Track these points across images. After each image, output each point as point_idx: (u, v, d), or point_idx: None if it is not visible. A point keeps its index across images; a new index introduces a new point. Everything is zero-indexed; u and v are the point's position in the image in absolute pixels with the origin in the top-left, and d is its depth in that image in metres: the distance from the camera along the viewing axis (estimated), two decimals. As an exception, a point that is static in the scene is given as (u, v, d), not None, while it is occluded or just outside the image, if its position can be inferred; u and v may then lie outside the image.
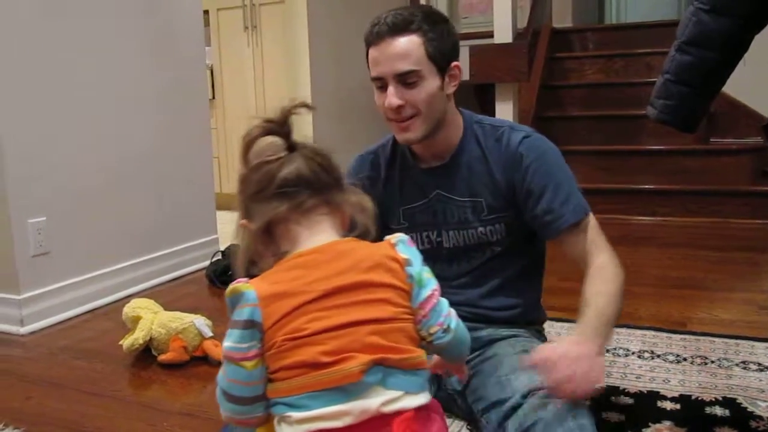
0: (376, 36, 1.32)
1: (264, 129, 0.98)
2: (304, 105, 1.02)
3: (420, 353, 0.93)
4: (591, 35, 5.23)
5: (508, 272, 1.47)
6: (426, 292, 0.96)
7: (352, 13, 4.29)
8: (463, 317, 1.06)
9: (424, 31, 1.31)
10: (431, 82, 1.32)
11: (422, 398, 0.91)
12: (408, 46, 1.30)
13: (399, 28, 1.30)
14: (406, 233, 1.08)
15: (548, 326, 1.72)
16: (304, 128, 3.71)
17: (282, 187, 0.94)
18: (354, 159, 1.55)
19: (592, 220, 1.41)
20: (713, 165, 3.86)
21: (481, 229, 1.43)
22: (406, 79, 1.31)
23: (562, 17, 5.48)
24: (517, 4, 4.02)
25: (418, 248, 1.08)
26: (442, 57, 1.33)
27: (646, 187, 3.89)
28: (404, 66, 1.30)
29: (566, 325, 2.03)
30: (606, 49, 4.93)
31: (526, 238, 1.47)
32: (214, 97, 4.52)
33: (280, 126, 0.98)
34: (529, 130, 1.45)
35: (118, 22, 2.62)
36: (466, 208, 1.43)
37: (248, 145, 0.97)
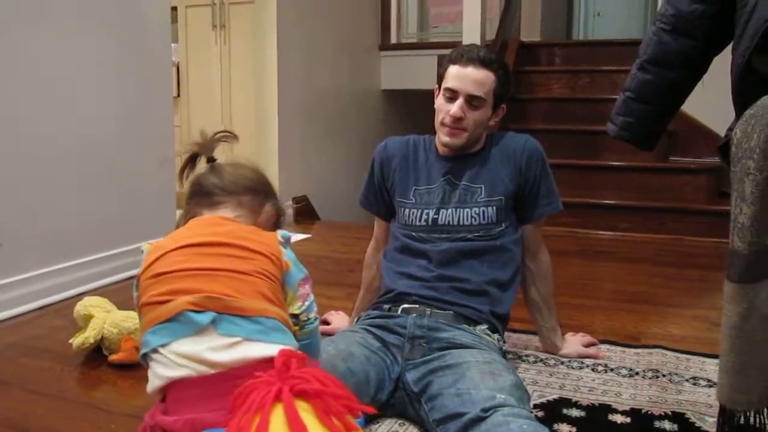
0: (467, 60, 1.64)
1: (192, 149, 1.24)
2: (230, 134, 1.33)
3: (268, 306, 1.01)
4: (558, 50, 5.30)
5: (491, 261, 1.67)
6: (301, 275, 1.11)
7: (321, 16, 4.29)
8: (430, 303, 1.57)
9: (499, 73, 1.67)
10: (486, 111, 1.68)
11: (266, 348, 0.96)
12: (486, 78, 1.65)
13: (485, 62, 1.64)
14: (411, 209, 1.70)
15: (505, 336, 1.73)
16: (269, 130, 3.70)
17: (201, 188, 1.20)
18: (398, 138, 1.83)
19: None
20: (672, 183, 3.93)
21: (475, 209, 1.67)
22: (473, 102, 1.64)
23: (530, 31, 5.56)
24: (486, 16, 4.06)
25: (416, 224, 1.68)
26: (500, 97, 1.70)
27: (607, 202, 3.95)
28: (478, 92, 1.64)
29: (523, 336, 2.05)
30: (572, 65, 5.01)
31: (510, 230, 1.71)
32: (179, 95, 4.46)
33: (203, 148, 1.24)
34: (524, 135, 1.80)
35: (82, 11, 2.57)
36: (466, 191, 1.69)
37: (184, 165, 1.24)
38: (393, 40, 5.49)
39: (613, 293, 2.68)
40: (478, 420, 1.19)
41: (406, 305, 1.60)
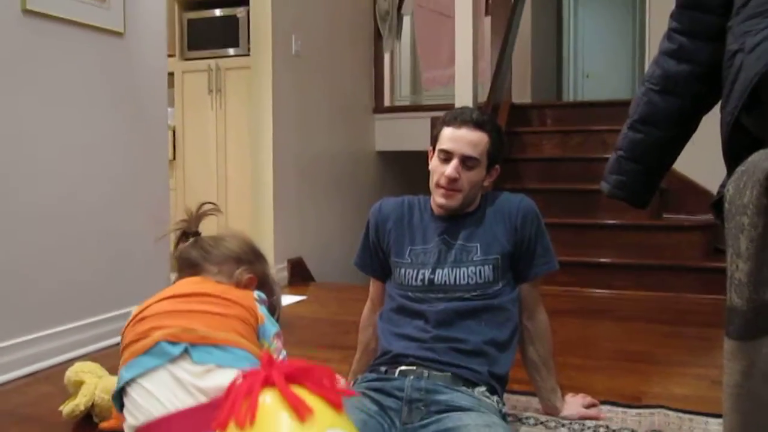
0: (461, 122, 1.67)
1: (180, 226, 1.40)
2: (215, 207, 1.46)
3: (240, 340, 1.09)
4: (549, 111, 5.39)
5: (488, 320, 1.66)
6: (274, 329, 1.20)
7: (316, 80, 4.37)
8: (428, 364, 1.56)
9: (492, 135, 1.70)
10: (480, 172, 1.70)
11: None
12: (480, 139, 1.67)
13: (479, 124, 1.68)
14: (406, 268, 1.70)
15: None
16: (265, 192, 3.70)
17: (186, 261, 1.36)
18: (393, 199, 1.84)
19: None
20: (666, 240, 3.94)
21: (471, 268, 1.66)
22: (468, 163, 1.66)
23: (521, 93, 5.66)
24: (477, 80, 4.14)
25: (412, 284, 1.68)
26: (492, 159, 1.72)
27: (602, 260, 3.95)
28: (473, 153, 1.66)
29: (522, 398, 2.01)
30: (563, 125, 5.08)
31: (507, 290, 1.71)
32: (174, 158, 4.50)
33: (190, 224, 1.39)
34: (521, 195, 1.81)
35: (81, 74, 2.61)
36: (462, 251, 1.68)
37: (177, 242, 1.40)
38: (387, 102, 5.58)
39: (612, 353, 2.65)
40: None
41: (403, 367, 1.58)
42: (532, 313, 1.79)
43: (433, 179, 1.71)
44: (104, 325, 2.73)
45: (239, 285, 1.33)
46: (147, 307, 1.18)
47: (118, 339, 2.71)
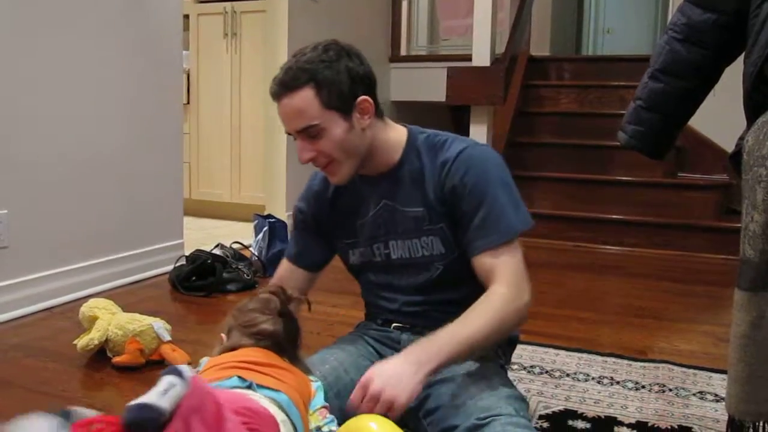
0: (273, 96, 1.32)
1: (273, 292, 1.30)
2: (307, 302, 1.42)
3: (297, 396, 1.13)
4: (567, 65, 5.31)
5: (460, 291, 1.40)
6: (321, 403, 1.20)
7: (333, 23, 4.31)
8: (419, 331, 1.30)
9: (316, 81, 1.28)
10: (336, 129, 1.30)
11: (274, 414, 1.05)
12: (300, 103, 1.28)
13: (289, 86, 1.28)
14: (358, 248, 1.44)
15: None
16: (279, 138, 3.68)
17: (257, 333, 1.23)
18: (307, 183, 1.56)
19: (514, 246, 1.33)
20: (680, 199, 3.92)
21: (424, 238, 1.39)
22: (310, 133, 1.30)
23: (540, 46, 5.57)
24: (496, 30, 4.07)
25: (372, 262, 1.44)
26: (341, 101, 1.30)
27: (615, 217, 3.94)
28: (301, 123, 1.29)
29: (528, 347, 2.04)
30: (581, 80, 5.01)
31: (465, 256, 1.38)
32: (189, 102, 4.49)
33: (281, 300, 1.29)
34: (470, 142, 1.40)
35: (96, 18, 2.59)
36: (408, 218, 1.40)
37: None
38: (403, 52, 5.51)
39: (620, 308, 2.66)
40: (475, 429, 1.16)
41: (396, 324, 1.48)
42: (486, 287, 1.33)
43: None
44: (119, 264, 2.77)
45: None
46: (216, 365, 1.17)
47: (131, 278, 2.79)
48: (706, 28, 1.28)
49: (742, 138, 1.11)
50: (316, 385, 1.24)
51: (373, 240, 1.45)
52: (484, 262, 1.32)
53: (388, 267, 1.44)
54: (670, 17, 1.79)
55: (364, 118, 1.34)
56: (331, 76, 1.29)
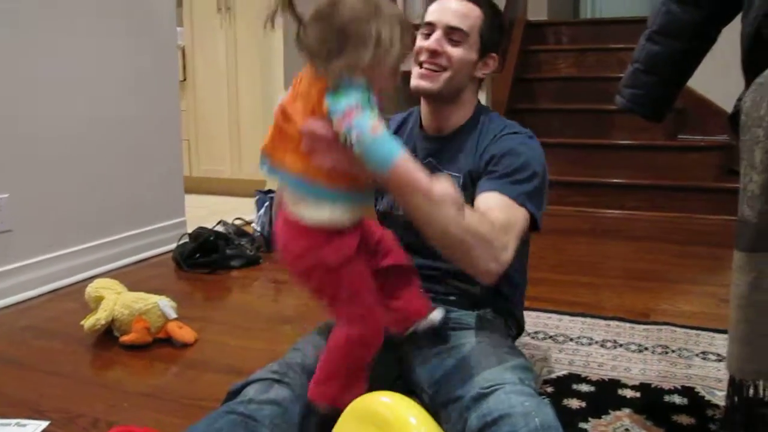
0: None
1: None
2: None
3: None
4: (565, 29, 5.25)
5: None
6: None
7: (327, -2, 4.26)
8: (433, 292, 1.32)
9: (487, 12, 1.41)
10: (470, 53, 1.40)
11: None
12: (470, 11, 1.39)
13: None
14: (386, 196, 1.44)
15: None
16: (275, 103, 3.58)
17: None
18: (398, 114, 1.61)
19: (522, 213, 1.31)
20: (681, 161, 3.91)
21: None
22: (453, 36, 1.38)
23: (537, 10, 5.50)
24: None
25: (393, 215, 1.45)
26: (488, 41, 1.42)
27: (615, 180, 3.93)
28: (458, 23, 1.38)
29: (532, 313, 2.05)
30: (579, 44, 4.97)
31: None
32: (185, 79, 4.46)
33: None
34: (526, 131, 1.45)
35: (86, -3, 2.57)
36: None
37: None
38: (399, 20, 5.45)
39: (621, 271, 2.68)
40: (480, 398, 1.15)
41: None
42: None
43: (415, 63, 1.43)
44: (122, 244, 2.78)
45: None
46: None
47: (135, 258, 2.81)
48: (703, -13, 1.27)
49: (740, 99, 1.11)
50: None
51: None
52: (489, 197, 1.31)
53: (407, 223, 1.42)
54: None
55: (483, 69, 1.46)
56: (497, 21, 1.45)
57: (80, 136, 2.57)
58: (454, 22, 1.38)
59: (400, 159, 1.00)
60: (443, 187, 1.03)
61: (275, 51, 3.94)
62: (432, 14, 1.41)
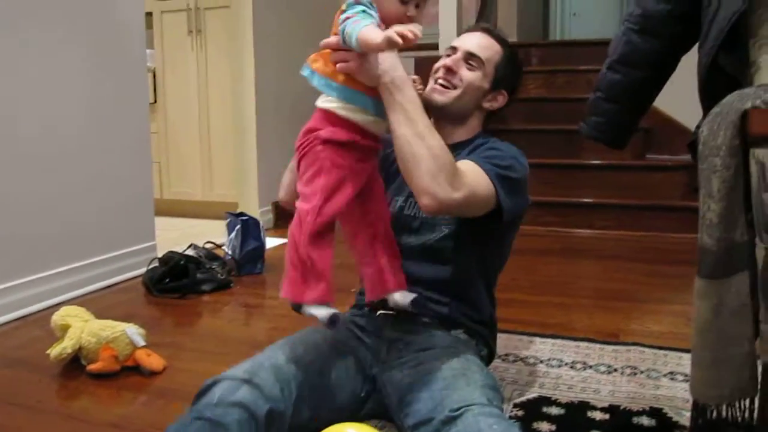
0: (477, 27, 1.61)
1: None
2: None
3: None
4: (535, 51, 5.33)
5: (447, 269, 1.52)
6: None
7: (298, 18, 4.28)
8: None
9: (506, 51, 1.58)
10: (483, 81, 1.55)
11: None
12: (491, 46, 1.56)
13: (494, 35, 1.59)
14: (389, 194, 1.54)
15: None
16: (248, 135, 3.64)
17: None
18: None
19: (487, 178, 1.39)
20: (649, 180, 3.97)
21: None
22: (471, 61, 1.54)
23: (507, 31, 5.54)
24: (462, 17, 4.08)
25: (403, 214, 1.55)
26: (502, 77, 1.57)
27: (585, 200, 3.98)
28: (478, 51, 1.54)
29: (503, 335, 2.05)
30: (549, 65, 5.04)
31: (475, 231, 1.51)
32: (155, 101, 4.44)
33: None
34: (518, 150, 1.61)
35: (55, 18, 2.55)
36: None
37: None
38: (370, 42, 5.48)
39: (592, 291, 2.70)
40: (449, 421, 1.18)
41: (382, 311, 1.53)
42: None
43: (431, 79, 1.59)
44: (91, 270, 2.74)
45: None
46: None
47: (103, 283, 2.77)
48: (661, 19, 1.30)
49: (698, 127, 1.14)
50: None
51: (398, 191, 1.58)
52: (463, 161, 1.39)
53: (395, 221, 1.49)
54: None
55: (490, 101, 1.59)
56: (511, 63, 1.60)
57: (47, 160, 2.54)
58: (474, 49, 1.54)
59: (368, 27, 1.20)
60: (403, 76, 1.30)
61: (246, 74, 3.94)
62: (457, 40, 1.60)
